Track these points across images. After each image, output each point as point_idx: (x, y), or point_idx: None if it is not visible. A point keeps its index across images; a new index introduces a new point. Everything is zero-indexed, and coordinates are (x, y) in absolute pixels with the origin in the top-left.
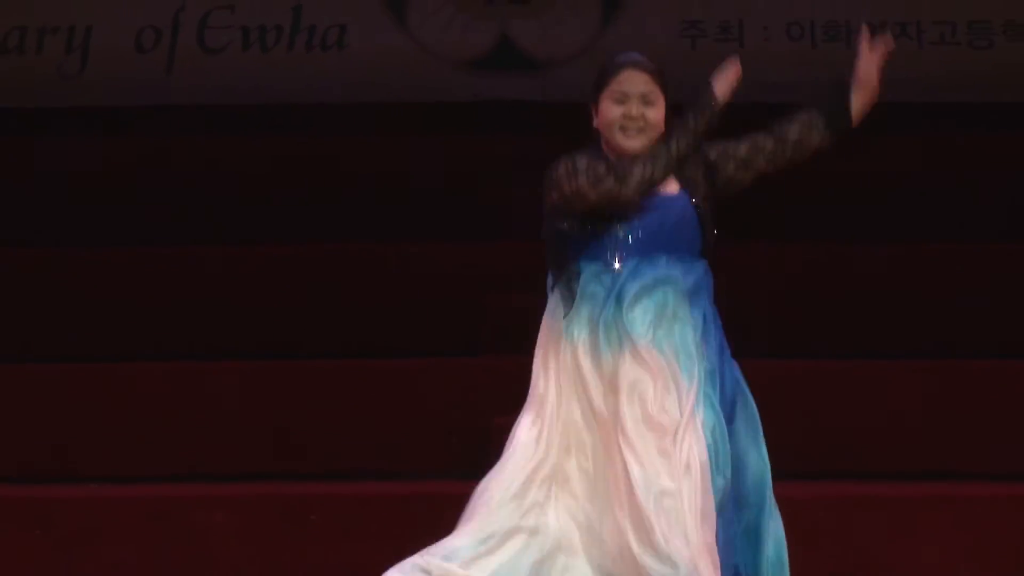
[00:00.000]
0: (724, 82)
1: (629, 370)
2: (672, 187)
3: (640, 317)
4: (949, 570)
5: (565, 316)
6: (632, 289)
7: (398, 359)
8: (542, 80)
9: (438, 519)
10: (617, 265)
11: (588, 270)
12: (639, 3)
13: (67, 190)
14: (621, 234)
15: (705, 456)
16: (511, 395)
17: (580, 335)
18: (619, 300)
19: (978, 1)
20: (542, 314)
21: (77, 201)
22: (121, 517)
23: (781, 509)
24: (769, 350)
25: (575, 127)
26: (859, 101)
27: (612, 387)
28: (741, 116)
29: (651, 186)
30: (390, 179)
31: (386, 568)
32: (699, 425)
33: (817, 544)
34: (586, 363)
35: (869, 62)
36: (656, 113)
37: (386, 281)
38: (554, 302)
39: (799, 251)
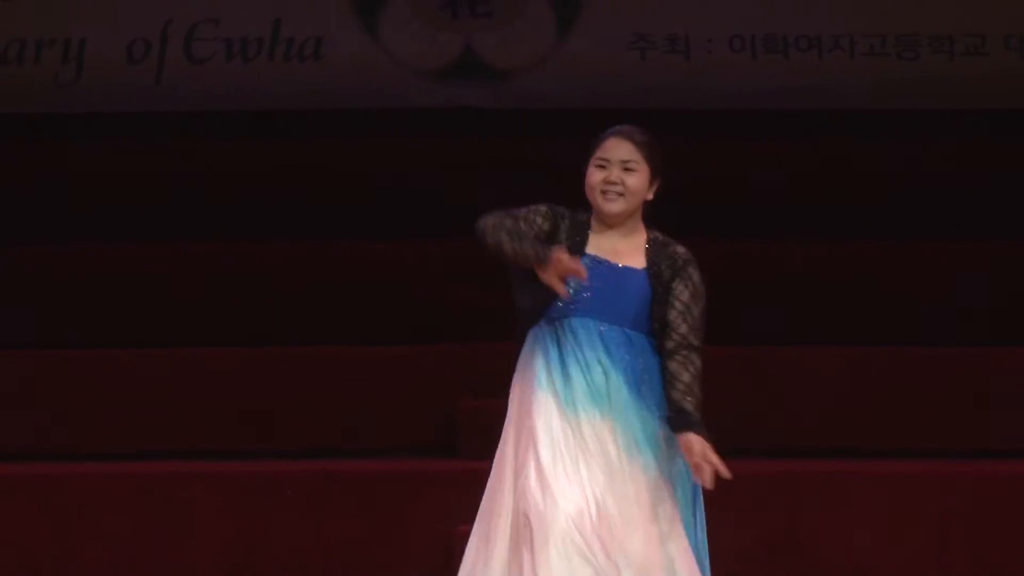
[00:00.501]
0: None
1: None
2: (633, 261)
3: (585, 383)
4: (876, 539)
5: (530, 362)
6: (581, 351)
7: (368, 346)
8: (502, 88)
9: (403, 493)
10: (567, 321)
11: (542, 325)
12: (592, 18)
13: (66, 190)
14: (573, 291)
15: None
16: (470, 378)
17: (540, 385)
18: (565, 359)
19: (906, 16)
20: (497, 306)
21: (74, 200)
22: (114, 492)
23: (721, 485)
24: (716, 339)
25: (531, 131)
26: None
27: (573, 438)
28: (688, 122)
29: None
30: (361, 179)
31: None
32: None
33: (757, 517)
34: (545, 413)
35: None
36: (636, 180)
37: (358, 274)
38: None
39: (730, 247)
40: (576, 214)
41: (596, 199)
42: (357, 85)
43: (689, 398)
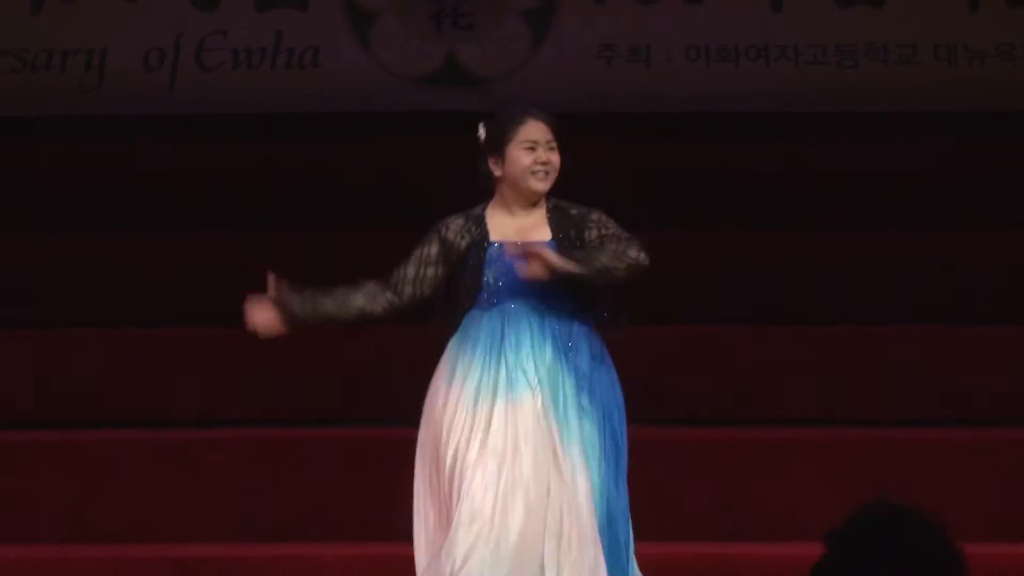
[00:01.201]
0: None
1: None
2: (540, 235)
3: (519, 363)
4: (817, 498)
5: (453, 352)
6: (509, 331)
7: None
8: (482, 93)
9: (393, 458)
10: (493, 308)
11: (472, 312)
12: (562, 31)
13: (87, 184)
14: (491, 280)
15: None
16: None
17: (466, 373)
18: (500, 343)
19: (844, 28)
20: None
21: (95, 193)
22: (134, 456)
23: (679, 450)
24: (666, 317)
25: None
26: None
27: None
28: (648, 124)
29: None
30: (355, 174)
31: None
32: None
33: (710, 478)
34: (473, 398)
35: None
36: (558, 157)
37: (359, 259)
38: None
39: (688, 235)
40: (470, 212)
41: (527, 181)
42: (351, 91)
43: (594, 249)
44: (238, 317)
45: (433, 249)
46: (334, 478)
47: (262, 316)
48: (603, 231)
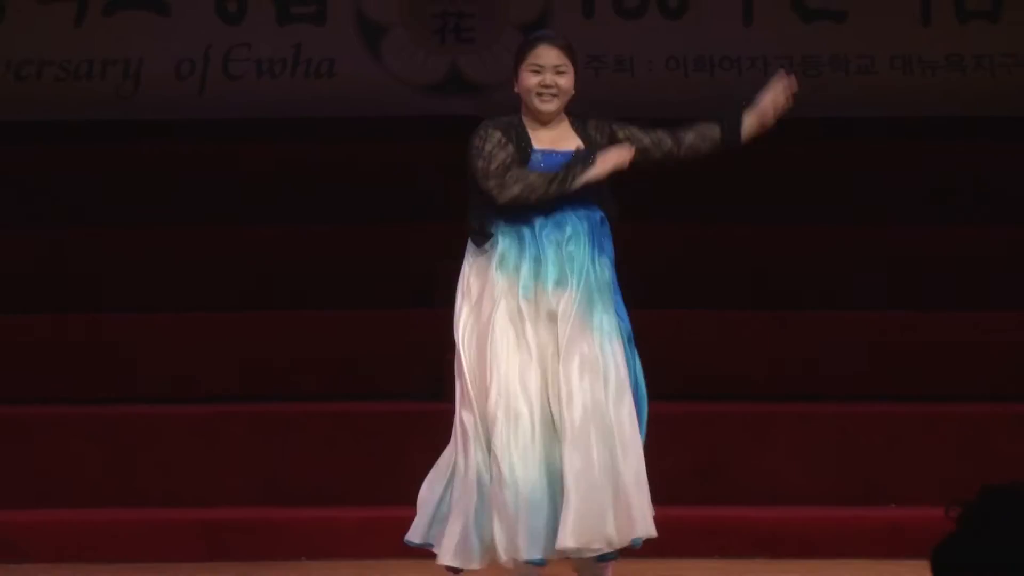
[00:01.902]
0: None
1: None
2: (572, 144)
3: (554, 267)
4: (787, 467)
5: (488, 253)
6: (545, 238)
7: (371, 310)
8: (482, 100)
9: (401, 429)
10: (528, 216)
11: (505, 221)
12: None
13: (125, 183)
14: None
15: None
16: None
17: (507, 273)
18: (537, 248)
19: (809, 41)
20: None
21: (133, 191)
22: (167, 429)
23: (662, 423)
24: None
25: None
26: (751, 126)
27: (544, 320)
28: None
29: (520, 203)
30: (366, 174)
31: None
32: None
33: (688, 448)
34: (516, 296)
35: (773, 99)
36: (567, 80)
37: (366, 251)
38: (476, 244)
39: (668, 227)
40: (510, 121)
41: (533, 101)
42: (363, 97)
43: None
44: (264, 302)
45: (496, 136)
46: (348, 447)
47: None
48: (642, 129)
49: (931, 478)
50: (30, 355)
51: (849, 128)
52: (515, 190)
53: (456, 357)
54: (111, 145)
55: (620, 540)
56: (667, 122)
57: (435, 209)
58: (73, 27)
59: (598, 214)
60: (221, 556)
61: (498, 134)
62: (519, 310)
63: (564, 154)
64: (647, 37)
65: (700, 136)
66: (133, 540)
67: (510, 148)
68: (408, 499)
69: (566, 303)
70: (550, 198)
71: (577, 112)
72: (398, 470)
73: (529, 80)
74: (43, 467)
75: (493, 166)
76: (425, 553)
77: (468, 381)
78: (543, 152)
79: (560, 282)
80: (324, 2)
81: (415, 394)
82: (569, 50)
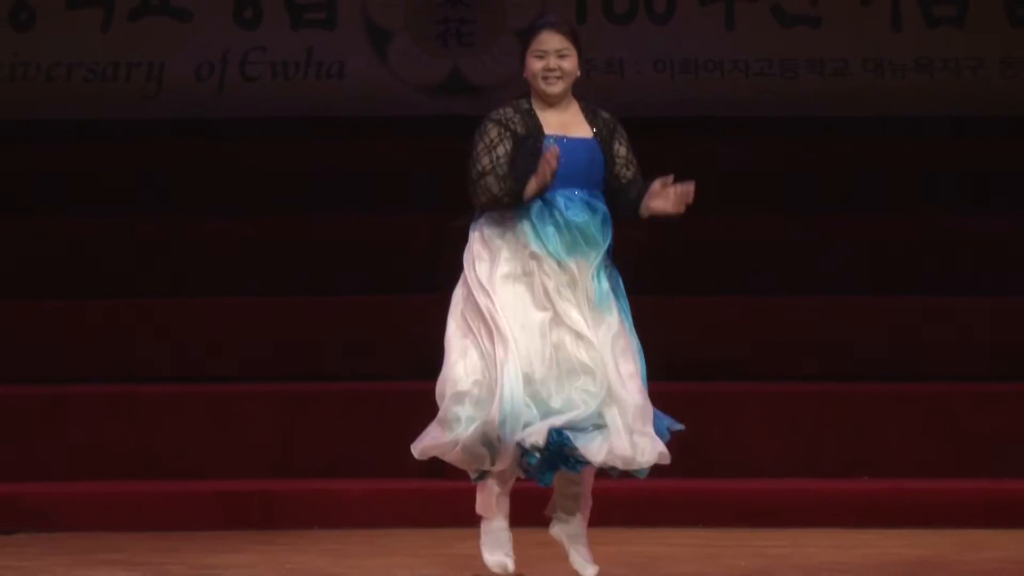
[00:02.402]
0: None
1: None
2: (584, 131)
3: (566, 238)
4: (763, 443)
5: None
6: (564, 207)
7: (377, 295)
8: (481, 100)
9: (405, 407)
10: (549, 195)
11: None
12: None
13: (150, 177)
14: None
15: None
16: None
17: (527, 241)
18: (554, 216)
19: (787, 46)
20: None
21: (158, 183)
22: (188, 407)
23: (655, 405)
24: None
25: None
26: (648, 210)
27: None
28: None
29: (492, 205)
30: (374, 168)
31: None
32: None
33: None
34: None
35: (660, 203)
36: (570, 63)
37: (375, 241)
38: (485, 222)
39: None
40: (518, 104)
41: (539, 84)
42: (371, 98)
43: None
44: (279, 288)
45: (495, 132)
46: (357, 424)
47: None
48: (630, 155)
49: (901, 452)
50: (62, 338)
51: (823, 126)
52: (481, 199)
53: (472, 297)
54: (136, 142)
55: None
56: (655, 121)
57: (436, 202)
58: (100, 32)
59: (603, 201)
60: (237, 525)
61: (496, 130)
62: (533, 259)
63: (573, 140)
64: (636, 41)
65: (627, 196)
66: (156, 510)
67: (502, 148)
68: (412, 472)
69: (578, 268)
70: (511, 207)
71: (590, 101)
72: (403, 445)
73: (535, 65)
74: (73, 443)
75: (475, 171)
76: (429, 521)
77: (491, 305)
78: (555, 138)
79: (573, 251)
80: (334, 8)
81: (419, 375)
82: (572, 34)
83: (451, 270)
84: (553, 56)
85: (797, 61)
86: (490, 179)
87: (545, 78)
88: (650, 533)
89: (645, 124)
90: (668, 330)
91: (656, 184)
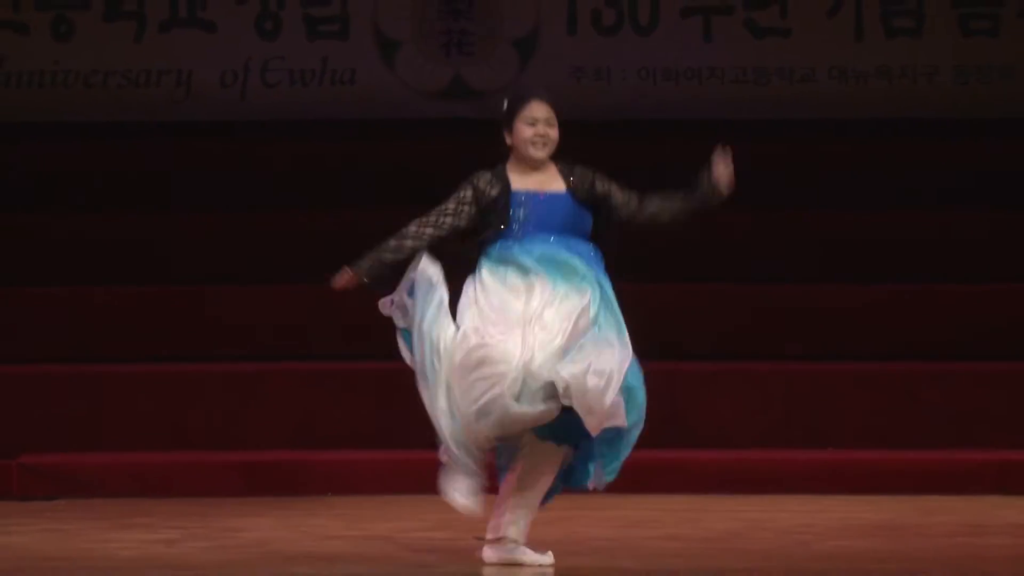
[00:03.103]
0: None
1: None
2: (559, 187)
3: (537, 263)
4: (738, 415)
5: (491, 265)
6: (532, 249)
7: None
8: (480, 105)
9: (413, 385)
10: (518, 241)
11: (502, 243)
12: (542, 57)
13: (184, 174)
14: (520, 217)
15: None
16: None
17: (503, 270)
18: (525, 253)
19: (759, 55)
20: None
21: (187, 180)
22: (216, 384)
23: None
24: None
25: (499, 134)
26: (712, 198)
27: (524, 294)
28: (609, 129)
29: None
30: (383, 165)
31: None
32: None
33: (652, 398)
34: (505, 282)
35: (720, 173)
36: (556, 132)
37: (376, 233)
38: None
39: None
40: (495, 169)
41: (528, 149)
42: (380, 102)
43: (678, 194)
44: (297, 277)
45: (468, 193)
46: (368, 400)
47: (343, 280)
48: (616, 186)
49: (864, 426)
50: (99, 321)
51: (793, 129)
52: (391, 244)
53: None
54: (166, 142)
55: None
56: (639, 123)
57: (439, 194)
58: (133, 42)
59: (586, 245)
60: (258, 492)
61: (467, 193)
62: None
63: (548, 194)
64: (622, 51)
65: (661, 208)
66: (183, 479)
67: (453, 218)
68: (416, 444)
69: (542, 283)
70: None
71: (565, 160)
72: (412, 419)
73: (526, 132)
74: (109, 418)
75: (415, 223)
76: (434, 488)
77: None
78: (525, 192)
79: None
80: (347, 21)
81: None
82: (556, 106)
83: (447, 260)
84: (542, 124)
85: (768, 69)
86: (424, 229)
87: (535, 143)
88: (634, 499)
89: (630, 126)
90: (655, 315)
91: (715, 155)
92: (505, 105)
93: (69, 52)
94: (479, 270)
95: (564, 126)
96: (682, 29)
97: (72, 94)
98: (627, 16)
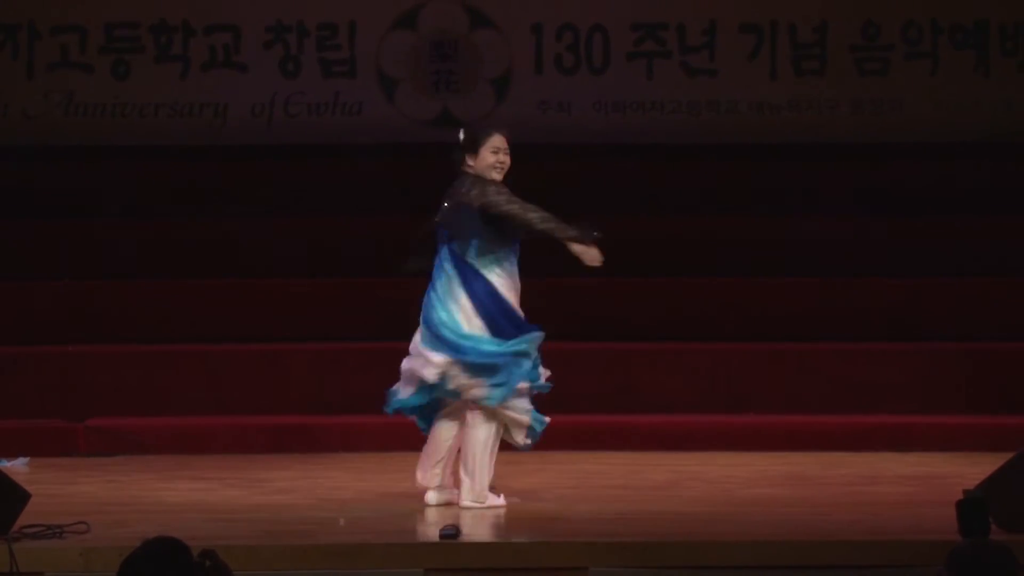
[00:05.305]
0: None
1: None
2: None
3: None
4: (682, 388)
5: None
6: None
7: (378, 278)
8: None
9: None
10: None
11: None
12: (515, 93)
13: (219, 191)
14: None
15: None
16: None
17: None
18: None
19: (692, 90)
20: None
21: (224, 195)
22: (240, 363)
23: (592, 358)
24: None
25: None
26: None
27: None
28: (571, 153)
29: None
30: (385, 182)
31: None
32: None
33: (608, 375)
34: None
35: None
36: (509, 160)
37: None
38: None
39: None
40: (497, 186)
41: (491, 172)
42: (382, 130)
43: (550, 224)
44: (313, 274)
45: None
46: (376, 373)
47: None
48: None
49: (776, 394)
50: (147, 309)
51: (722, 153)
52: (540, 223)
53: None
54: (203, 165)
55: None
56: (595, 148)
57: (432, 207)
58: (179, 80)
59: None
60: (282, 450)
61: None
62: None
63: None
64: (580, 87)
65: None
66: (221, 439)
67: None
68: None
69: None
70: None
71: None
72: None
73: (491, 158)
74: (161, 387)
75: (535, 208)
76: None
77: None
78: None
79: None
80: (355, 63)
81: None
82: (511, 138)
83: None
84: (503, 153)
85: (700, 102)
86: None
87: (496, 168)
88: (589, 455)
89: (586, 151)
90: (613, 304)
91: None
92: (463, 135)
93: (126, 88)
94: (490, 273)
95: (532, 149)
96: (629, 69)
97: (129, 123)
98: (584, 59)
